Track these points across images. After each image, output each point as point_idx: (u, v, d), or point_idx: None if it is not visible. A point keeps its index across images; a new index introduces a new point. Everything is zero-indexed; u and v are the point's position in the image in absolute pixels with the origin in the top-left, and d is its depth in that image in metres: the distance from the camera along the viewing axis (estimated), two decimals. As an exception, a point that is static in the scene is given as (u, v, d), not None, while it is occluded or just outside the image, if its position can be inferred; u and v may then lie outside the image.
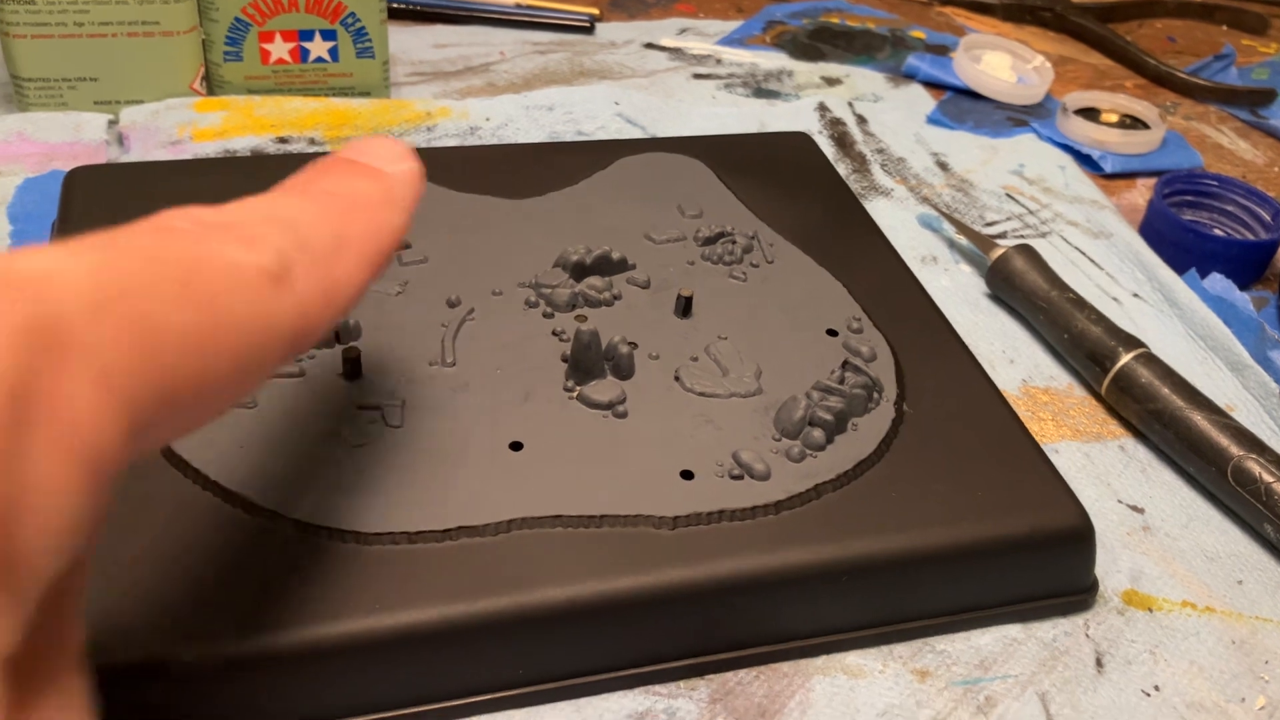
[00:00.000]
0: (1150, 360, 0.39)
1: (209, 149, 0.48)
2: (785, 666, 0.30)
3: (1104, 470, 0.38)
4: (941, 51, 0.65)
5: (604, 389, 0.33)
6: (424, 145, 0.50)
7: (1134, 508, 0.36)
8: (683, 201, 0.42)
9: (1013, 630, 0.32)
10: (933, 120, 0.58)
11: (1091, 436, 0.39)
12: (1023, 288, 0.43)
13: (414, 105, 0.52)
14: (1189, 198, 0.52)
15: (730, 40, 0.64)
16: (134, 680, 0.25)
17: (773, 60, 0.63)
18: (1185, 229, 0.48)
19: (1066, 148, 0.57)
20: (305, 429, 0.31)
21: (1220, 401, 0.40)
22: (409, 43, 0.60)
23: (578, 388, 0.33)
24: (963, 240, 0.48)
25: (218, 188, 0.40)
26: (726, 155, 0.46)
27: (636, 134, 0.52)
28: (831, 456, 0.32)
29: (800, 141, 0.48)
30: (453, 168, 0.43)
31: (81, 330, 0.15)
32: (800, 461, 0.32)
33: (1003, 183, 0.53)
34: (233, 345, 0.17)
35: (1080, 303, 0.42)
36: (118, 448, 0.15)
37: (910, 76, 0.62)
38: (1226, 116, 0.63)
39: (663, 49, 0.63)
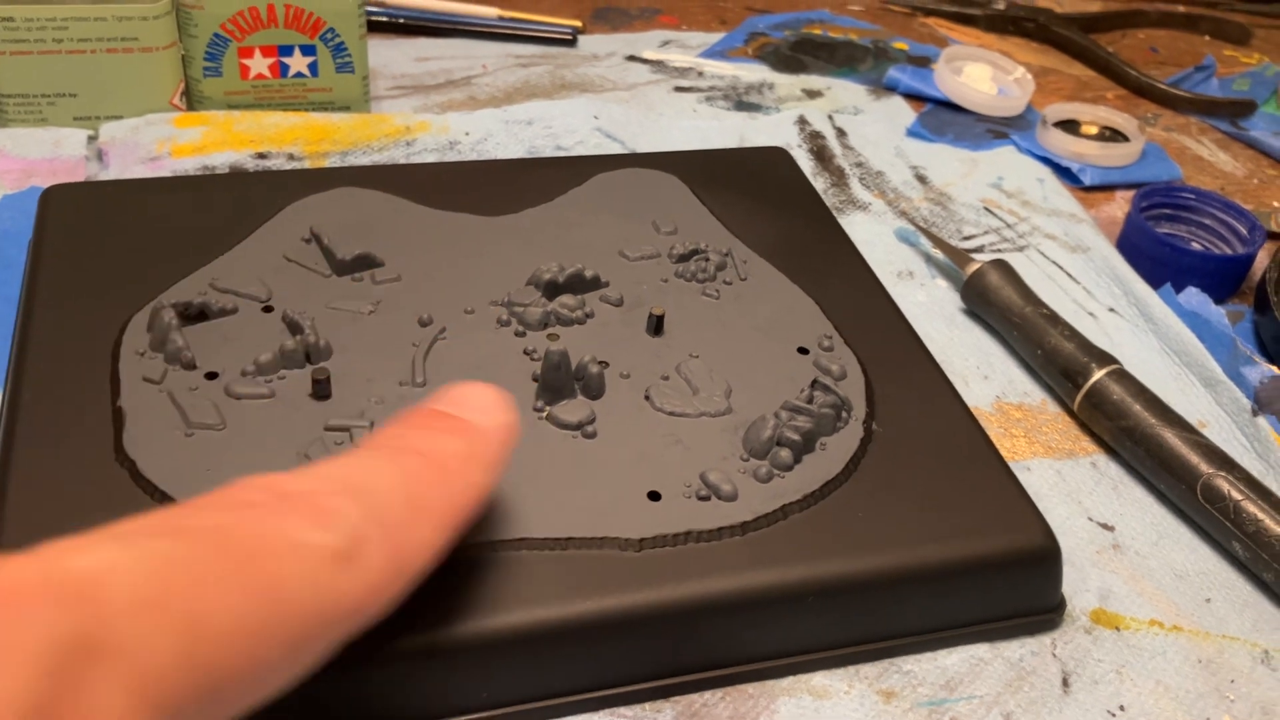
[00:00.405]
0: (1122, 377, 0.39)
1: (188, 164, 0.48)
2: (751, 688, 0.30)
3: (1075, 488, 0.38)
4: (923, 63, 0.65)
5: (574, 409, 0.33)
6: (403, 160, 0.50)
7: (1104, 525, 0.37)
8: (658, 218, 0.42)
9: (980, 650, 0.32)
10: (913, 133, 0.58)
11: (1064, 453, 0.39)
12: (997, 303, 0.43)
13: (393, 120, 0.52)
14: (1167, 211, 0.52)
15: (712, 52, 0.65)
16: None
17: (754, 72, 0.63)
18: (1161, 243, 0.48)
19: (1046, 160, 0.57)
20: (273, 451, 0.31)
21: (1193, 417, 0.40)
22: (391, 55, 0.60)
23: (548, 408, 0.33)
24: (939, 255, 0.48)
25: (194, 205, 0.41)
26: (703, 171, 0.46)
27: (616, 148, 0.52)
28: (799, 477, 0.32)
29: (777, 157, 0.48)
30: (429, 184, 0.43)
31: (123, 634, 0.15)
32: (768, 482, 0.32)
33: (981, 196, 0.53)
34: (287, 632, 0.17)
35: (1054, 318, 0.42)
36: None
37: (891, 89, 0.62)
38: (1207, 128, 0.63)
39: (645, 61, 0.63)
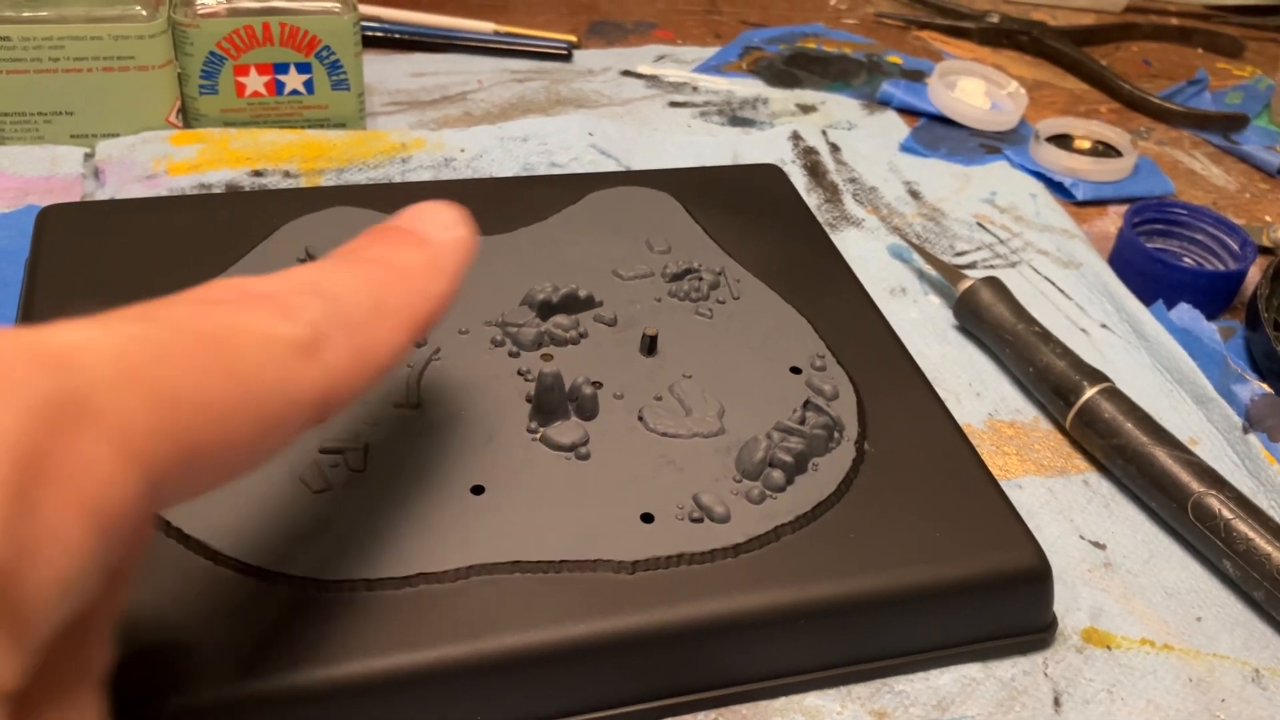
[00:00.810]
0: (1114, 395, 0.39)
1: (184, 182, 0.48)
2: (744, 709, 0.30)
3: (1067, 506, 0.38)
4: (917, 77, 0.66)
5: (567, 430, 0.33)
6: (398, 177, 0.50)
7: (1096, 544, 0.37)
8: (651, 237, 0.43)
9: (972, 670, 0.32)
10: (906, 148, 0.59)
11: (1056, 471, 0.39)
12: (989, 320, 0.43)
13: (389, 137, 0.53)
14: (1159, 226, 0.52)
15: (707, 67, 0.65)
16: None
17: (748, 87, 0.63)
18: (1153, 259, 0.49)
19: (1039, 175, 0.57)
20: (266, 472, 0.31)
21: (1184, 435, 0.40)
22: (387, 71, 0.61)
23: (541, 429, 0.33)
24: (932, 271, 0.48)
25: (191, 224, 0.41)
26: (697, 188, 0.46)
27: (610, 165, 0.53)
28: (791, 498, 0.32)
29: (771, 174, 0.49)
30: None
31: (103, 398, 0.16)
32: (760, 503, 0.32)
33: (974, 211, 0.53)
34: (255, 411, 0.18)
35: (1046, 336, 0.42)
36: (133, 504, 0.16)
37: (885, 103, 0.63)
38: (1200, 142, 0.64)
39: (640, 76, 0.63)
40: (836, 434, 0.34)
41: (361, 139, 0.52)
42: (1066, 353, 0.41)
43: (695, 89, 0.62)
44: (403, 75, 0.61)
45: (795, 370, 0.37)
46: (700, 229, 0.44)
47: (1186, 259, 0.52)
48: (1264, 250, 0.53)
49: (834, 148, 0.57)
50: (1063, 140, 0.60)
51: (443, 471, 0.32)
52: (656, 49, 0.67)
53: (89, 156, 0.50)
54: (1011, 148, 0.59)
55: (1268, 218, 0.57)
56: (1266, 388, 0.44)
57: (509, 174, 0.51)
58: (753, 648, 0.30)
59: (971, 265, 0.49)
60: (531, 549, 0.30)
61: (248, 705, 0.26)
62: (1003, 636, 0.32)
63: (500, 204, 0.44)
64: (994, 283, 0.44)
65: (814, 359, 0.37)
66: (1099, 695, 0.32)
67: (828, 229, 0.48)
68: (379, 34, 0.63)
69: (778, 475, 0.32)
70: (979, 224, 0.52)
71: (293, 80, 0.51)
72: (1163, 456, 0.37)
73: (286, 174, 0.49)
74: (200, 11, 0.49)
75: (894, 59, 0.68)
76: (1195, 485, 0.36)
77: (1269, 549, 0.34)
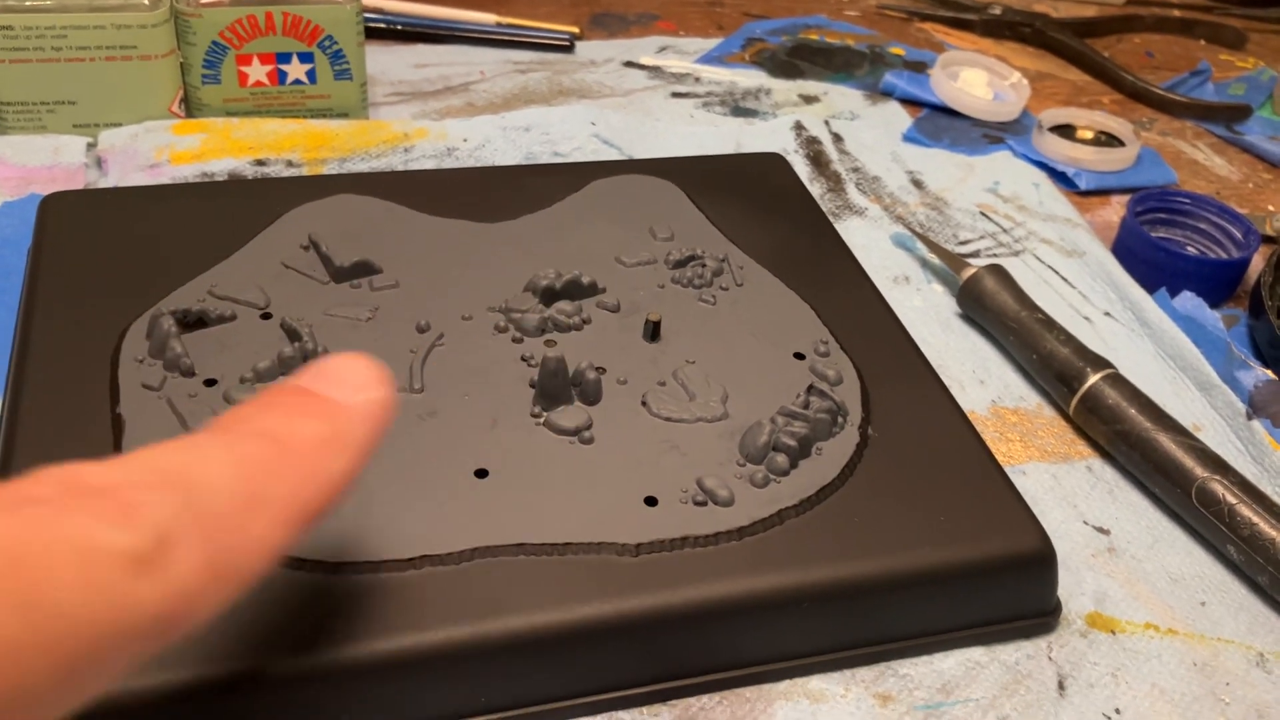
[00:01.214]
0: (1117, 381, 0.39)
1: (187, 172, 0.48)
2: (748, 691, 0.30)
3: (1071, 491, 0.38)
4: (920, 68, 0.66)
5: (571, 415, 0.33)
6: (401, 167, 0.50)
7: (1100, 529, 0.37)
8: (654, 224, 0.42)
9: (976, 653, 0.32)
10: (909, 138, 0.59)
11: (1059, 457, 0.39)
12: (993, 308, 0.43)
13: (391, 126, 0.53)
14: (1162, 215, 0.52)
15: (709, 58, 0.65)
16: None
17: (751, 78, 0.63)
18: (1157, 247, 0.49)
19: (1042, 165, 0.57)
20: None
21: (1188, 421, 0.40)
22: (389, 62, 0.61)
23: (545, 414, 0.33)
24: (935, 260, 0.48)
25: (193, 213, 0.41)
26: (700, 177, 0.46)
27: (613, 154, 0.53)
28: (795, 482, 0.32)
29: (774, 162, 0.49)
30: (427, 191, 0.43)
31: None
32: (764, 487, 0.32)
33: (977, 201, 0.53)
34: (61, 648, 0.15)
35: (1049, 323, 0.42)
36: None
37: (888, 94, 0.63)
38: (1202, 132, 0.63)
39: (642, 67, 0.63)
40: (840, 419, 0.34)
41: (364, 129, 0.52)
42: (1070, 340, 0.41)
43: (698, 80, 0.62)
44: (405, 66, 0.61)
45: (799, 356, 0.37)
46: (703, 217, 0.44)
47: (1189, 248, 0.52)
48: (1267, 239, 0.53)
49: (837, 138, 0.56)
50: (1066, 130, 0.60)
51: (447, 455, 0.32)
52: (659, 40, 0.66)
53: (92, 146, 0.50)
54: (1014, 138, 0.59)
55: (1271, 207, 0.57)
56: (1270, 374, 0.44)
57: (511, 164, 0.51)
58: (756, 630, 0.30)
59: (975, 254, 0.49)
60: (536, 531, 0.30)
61: (255, 685, 0.26)
62: (1007, 620, 0.32)
63: (503, 192, 0.44)
64: (997, 270, 0.44)
65: (817, 345, 0.37)
66: (1103, 679, 0.32)
67: (831, 218, 0.48)
68: (381, 25, 0.63)
69: (781, 459, 0.32)
70: (982, 213, 0.52)
71: (295, 70, 0.51)
72: (1166, 442, 0.37)
73: (289, 163, 0.49)
74: (203, 1, 0.49)
75: (896, 50, 0.68)
76: (1199, 470, 0.36)
77: (1273, 534, 0.34)
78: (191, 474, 0.17)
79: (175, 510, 0.17)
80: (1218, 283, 0.49)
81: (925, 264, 0.48)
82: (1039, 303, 0.44)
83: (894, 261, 0.48)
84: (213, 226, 0.40)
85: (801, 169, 0.53)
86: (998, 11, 0.73)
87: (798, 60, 0.66)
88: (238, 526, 0.18)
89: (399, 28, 0.63)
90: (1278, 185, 0.59)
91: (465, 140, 0.52)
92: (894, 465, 0.34)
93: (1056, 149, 0.57)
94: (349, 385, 0.21)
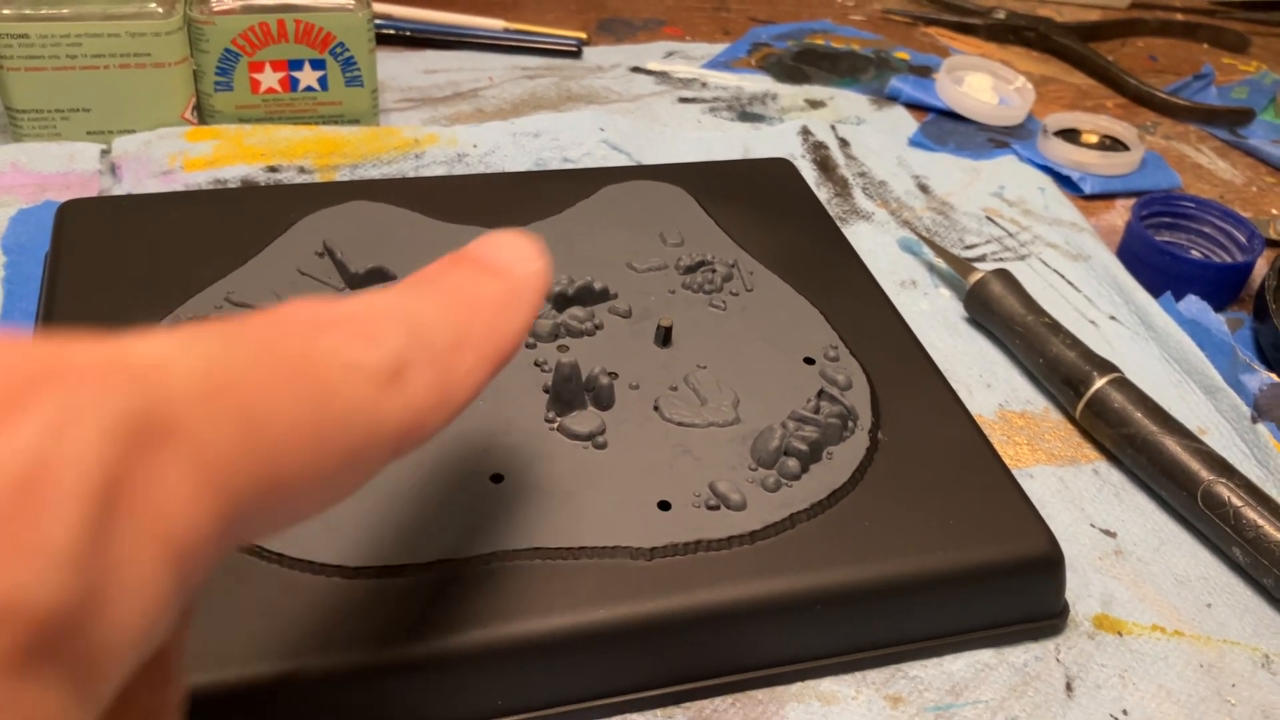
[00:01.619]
0: (1124, 385, 0.40)
1: (200, 178, 0.49)
2: (760, 694, 0.31)
3: (1078, 494, 0.38)
4: (925, 73, 0.66)
5: (584, 420, 0.34)
6: (412, 173, 0.51)
7: (1107, 532, 0.37)
8: (665, 230, 0.43)
9: (985, 655, 0.32)
10: (915, 142, 0.59)
11: (1066, 460, 0.40)
12: (999, 312, 0.44)
13: (402, 133, 0.53)
14: (1166, 219, 0.53)
15: (716, 63, 0.65)
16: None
17: (757, 83, 0.63)
18: (1161, 251, 0.49)
19: (1047, 169, 0.57)
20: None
21: (1193, 425, 0.41)
22: (399, 68, 0.61)
23: (558, 419, 0.34)
24: (942, 264, 0.48)
25: (209, 219, 0.42)
26: (708, 182, 0.47)
27: (621, 160, 0.53)
28: (806, 486, 0.33)
29: (781, 167, 0.49)
30: (439, 197, 0.44)
31: (186, 422, 0.15)
32: (776, 491, 0.32)
33: (983, 205, 0.53)
34: (339, 441, 0.17)
35: (1056, 327, 0.42)
36: (211, 540, 0.15)
37: (893, 98, 0.63)
38: (1206, 136, 0.64)
39: (649, 73, 0.64)
40: (851, 423, 0.35)
41: (375, 135, 0.53)
42: (1076, 344, 0.42)
43: (704, 85, 0.63)
44: (415, 72, 0.61)
45: (809, 361, 0.37)
46: (713, 222, 0.44)
47: (1194, 251, 0.52)
48: (1271, 243, 0.54)
49: (843, 142, 0.57)
50: (1070, 135, 0.60)
51: (463, 460, 0.32)
52: (666, 45, 0.67)
53: (106, 153, 0.50)
54: (1019, 142, 0.60)
55: (1274, 211, 0.58)
56: (1275, 377, 0.44)
57: (522, 169, 0.52)
58: (768, 633, 0.30)
59: (981, 258, 0.50)
60: (550, 535, 0.30)
61: (273, 689, 0.26)
62: (1016, 623, 0.33)
63: (514, 198, 0.44)
64: (1004, 275, 0.45)
65: (827, 350, 0.38)
66: (1111, 681, 0.32)
67: (838, 223, 0.49)
68: (391, 31, 0.63)
69: (793, 464, 0.33)
70: (988, 217, 0.53)
71: (307, 77, 0.52)
72: (1172, 445, 0.38)
73: (301, 170, 0.50)
74: (216, 8, 0.50)
75: (902, 55, 0.69)
76: (1205, 473, 0.37)
77: (1278, 536, 0.34)
78: (413, 313, 0.20)
79: (406, 340, 0.19)
80: (1222, 286, 0.49)
81: (932, 268, 0.49)
82: (1045, 307, 0.44)
83: (901, 266, 0.49)
84: (228, 233, 0.41)
85: (809, 174, 0.54)
86: (1002, 16, 0.73)
87: (804, 65, 0.66)
88: (451, 360, 0.20)
89: (408, 34, 0.64)
90: (1281, 189, 0.60)
91: (475, 146, 0.53)
92: (903, 469, 0.34)
93: (1061, 153, 0.57)
94: (516, 256, 0.23)
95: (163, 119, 0.51)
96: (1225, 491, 0.36)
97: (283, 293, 0.38)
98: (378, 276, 0.39)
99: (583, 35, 0.66)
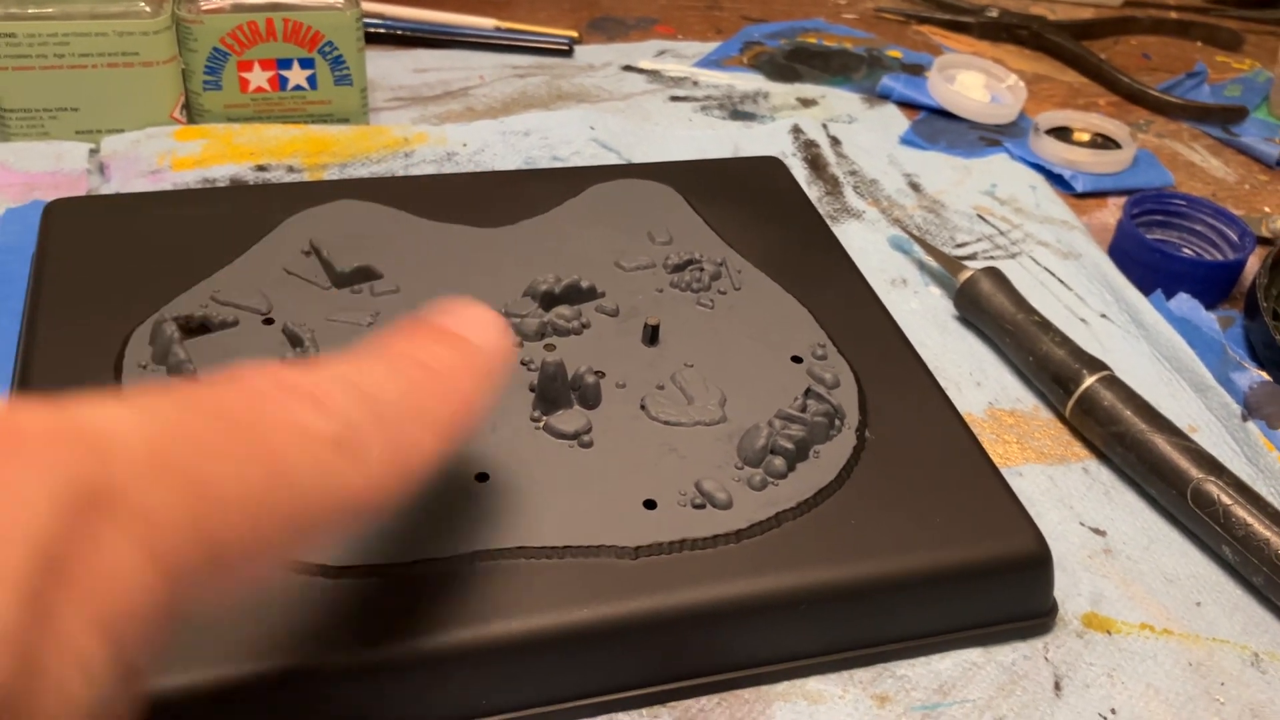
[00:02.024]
0: (1113, 383, 0.40)
1: (189, 177, 0.48)
2: (746, 693, 0.31)
3: (1067, 493, 0.38)
4: (917, 71, 0.66)
5: (570, 419, 0.33)
6: (401, 171, 0.50)
7: (1096, 530, 0.37)
8: (653, 228, 0.43)
9: (973, 654, 0.32)
10: (906, 141, 0.59)
11: (1056, 459, 0.40)
12: (990, 310, 0.44)
13: (391, 131, 0.53)
14: (1158, 217, 0.53)
15: (707, 62, 0.65)
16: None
17: (749, 82, 0.63)
18: (1153, 249, 0.49)
19: (1038, 167, 0.57)
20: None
21: (1183, 423, 0.41)
22: (389, 67, 0.61)
23: (544, 418, 0.34)
24: (932, 262, 0.48)
25: (196, 218, 0.41)
26: (698, 181, 0.46)
27: (611, 158, 0.53)
28: (793, 484, 0.32)
29: (771, 166, 0.49)
30: (427, 196, 0.43)
31: (132, 492, 0.15)
32: (762, 490, 0.32)
33: (974, 203, 0.53)
34: (289, 508, 0.17)
35: (1046, 325, 0.42)
36: (155, 609, 0.15)
37: (885, 97, 0.63)
38: (1199, 134, 0.64)
39: (640, 71, 0.63)
40: (837, 422, 0.35)
41: (364, 134, 0.52)
42: (1066, 342, 0.41)
43: (696, 83, 0.63)
44: (405, 71, 0.61)
45: (796, 359, 0.37)
46: (701, 220, 0.44)
47: (1185, 250, 0.52)
48: (1263, 240, 0.54)
49: (834, 141, 0.57)
50: (1062, 133, 0.60)
51: (448, 459, 0.32)
52: (657, 44, 0.67)
53: (94, 152, 0.50)
54: (1011, 140, 0.60)
55: (1266, 208, 0.57)
56: (1265, 376, 0.44)
57: (511, 168, 0.51)
58: (755, 632, 0.30)
59: (972, 256, 0.50)
60: (535, 535, 0.30)
61: (257, 688, 0.26)
62: (1004, 621, 0.33)
63: (503, 197, 0.44)
64: (994, 273, 0.44)
65: (815, 348, 0.38)
66: (1099, 679, 0.32)
67: (829, 221, 0.48)
68: (381, 30, 0.63)
69: (779, 462, 0.33)
70: (979, 216, 0.52)
71: (296, 76, 0.52)
72: (1162, 443, 0.37)
73: (290, 169, 0.50)
74: (204, 7, 0.49)
75: (894, 53, 0.69)
76: (1194, 472, 0.36)
77: (1267, 534, 0.34)
78: (363, 382, 0.20)
79: (362, 411, 0.19)
80: (1213, 284, 0.49)
81: (922, 266, 0.49)
82: (1035, 305, 0.44)
83: (891, 264, 0.49)
84: (215, 232, 0.40)
85: (799, 172, 0.54)
86: (994, 14, 0.73)
87: (795, 64, 0.66)
88: (406, 430, 0.20)
89: (398, 33, 0.63)
90: (1274, 187, 0.60)
91: (465, 145, 0.53)
92: (891, 468, 0.34)
93: (1053, 151, 0.57)
94: (476, 326, 0.23)
95: (151, 118, 0.51)
96: (1215, 490, 0.36)
97: (269, 291, 0.37)
98: (364, 275, 0.38)
99: (574, 34, 0.66)
